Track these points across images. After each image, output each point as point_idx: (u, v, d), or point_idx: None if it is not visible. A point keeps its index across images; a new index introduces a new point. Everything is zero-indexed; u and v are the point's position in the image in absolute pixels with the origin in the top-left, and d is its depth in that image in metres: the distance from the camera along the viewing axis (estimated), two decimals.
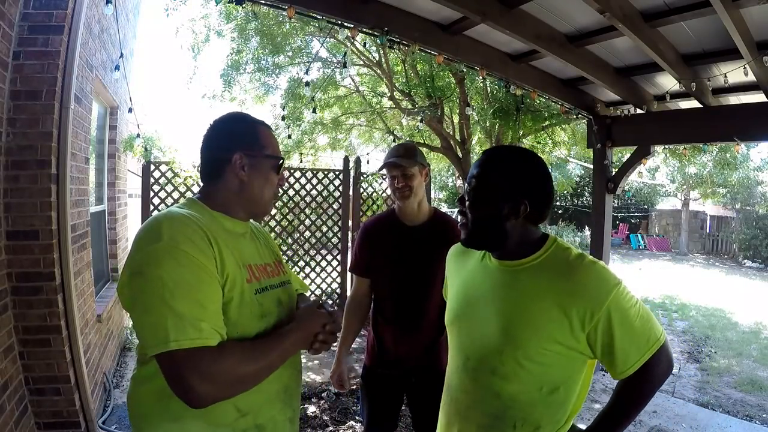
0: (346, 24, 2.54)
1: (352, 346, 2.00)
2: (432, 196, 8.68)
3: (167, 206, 4.27)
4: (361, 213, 5.93)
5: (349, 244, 5.71)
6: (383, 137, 7.41)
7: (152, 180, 4.86)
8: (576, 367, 1.05)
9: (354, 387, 1.98)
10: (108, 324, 3.63)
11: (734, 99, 3.48)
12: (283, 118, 5.60)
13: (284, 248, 5.74)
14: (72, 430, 2.42)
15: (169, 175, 4.92)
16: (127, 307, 0.93)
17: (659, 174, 16.19)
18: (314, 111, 5.17)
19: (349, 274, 2.01)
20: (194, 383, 0.84)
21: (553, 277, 1.02)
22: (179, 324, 0.84)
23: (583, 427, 1.12)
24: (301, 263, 5.83)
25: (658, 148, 5.21)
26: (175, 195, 4.72)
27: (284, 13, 2.35)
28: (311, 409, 3.30)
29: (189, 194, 4.63)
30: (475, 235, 1.09)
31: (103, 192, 4.30)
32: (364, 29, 2.50)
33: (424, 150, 6.80)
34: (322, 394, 3.50)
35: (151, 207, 4.62)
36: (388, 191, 1.88)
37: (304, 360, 4.30)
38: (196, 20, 5.88)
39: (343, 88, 7.28)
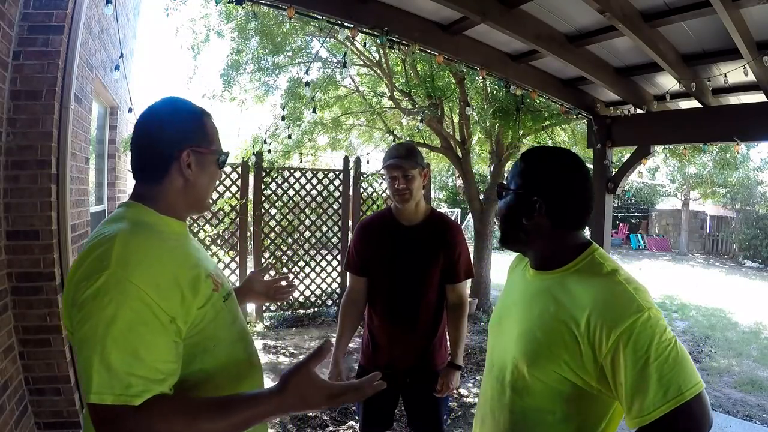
0: (346, 24, 2.54)
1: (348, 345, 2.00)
2: (432, 196, 8.66)
3: None
4: (361, 213, 5.93)
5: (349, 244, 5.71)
6: (383, 137, 7.41)
7: None
8: (595, 402, 0.92)
9: None
10: None
11: (734, 99, 3.48)
12: (283, 118, 5.60)
13: (284, 248, 5.74)
14: (72, 430, 2.42)
15: None
16: (69, 334, 0.83)
17: (659, 174, 16.20)
18: (314, 111, 5.17)
19: (348, 274, 2.00)
20: None
21: (575, 292, 0.93)
22: (105, 376, 0.73)
23: None
24: (301, 263, 5.84)
25: (658, 148, 5.22)
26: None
27: (284, 13, 2.35)
28: None
29: None
30: (502, 234, 1.09)
31: (103, 192, 4.31)
32: (364, 29, 2.50)
33: (424, 150, 6.81)
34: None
35: None
36: (388, 191, 1.87)
37: None
38: (196, 20, 5.88)
39: (343, 88, 7.28)
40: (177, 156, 0.94)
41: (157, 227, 0.92)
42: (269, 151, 5.51)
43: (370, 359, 1.91)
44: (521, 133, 5.62)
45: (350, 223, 5.95)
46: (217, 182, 5.39)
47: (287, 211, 5.70)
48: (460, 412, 3.34)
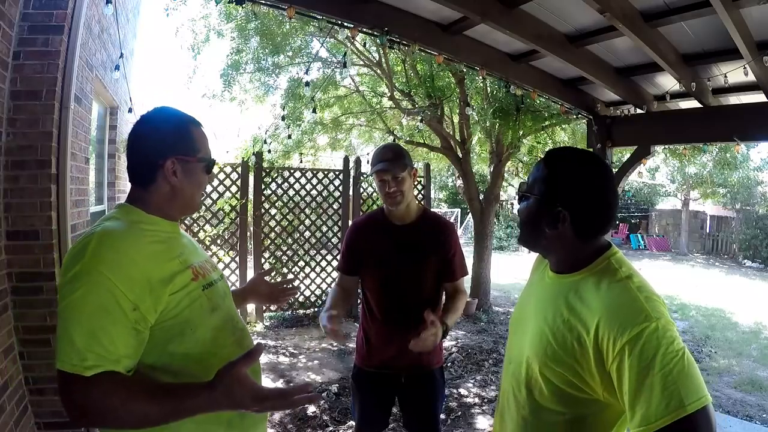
0: (346, 24, 2.54)
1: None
2: (432, 196, 8.66)
3: None
4: (361, 213, 5.93)
5: None
6: (383, 137, 7.41)
7: None
8: (605, 410, 0.93)
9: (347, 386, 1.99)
10: None
11: (734, 99, 3.48)
12: (283, 118, 5.60)
13: (284, 248, 5.74)
14: (72, 430, 2.42)
15: None
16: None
17: (659, 174, 16.20)
18: (314, 111, 5.17)
19: (339, 274, 1.99)
20: (68, 406, 0.88)
21: (587, 297, 0.93)
22: (68, 349, 0.88)
23: None
24: (301, 263, 5.84)
25: (658, 148, 5.22)
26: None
27: (284, 13, 2.35)
28: (311, 409, 3.30)
29: None
30: (521, 236, 1.09)
31: (103, 192, 4.30)
32: (364, 29, 2.50)
33: (424, 150, 6.83)
34: (322, 394, 3.50)
35: None
36: (379, 194, 1.85)
37: (303, 360, 4.32)
38: (196, 20, 5.90)
39: (343, 88, 7.29)
40: (162, 164, 1.03)
41: (142, 225, 1.02)
42: (269, 151, 5.51)
43: (365, 359, 1.90)
44: (521, 133, 5.62)
45: (350, 223, 5.95)
46: (217, 183, 5.49)
47: (287, 211, 5.70)
48: (460, 412, 3.34)
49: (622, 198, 17.19)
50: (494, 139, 6.26)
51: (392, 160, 1.74)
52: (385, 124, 6.96)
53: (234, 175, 5.35)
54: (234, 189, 5.35)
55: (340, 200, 5.93)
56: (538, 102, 4.65)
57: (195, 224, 5.18)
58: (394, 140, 6.59)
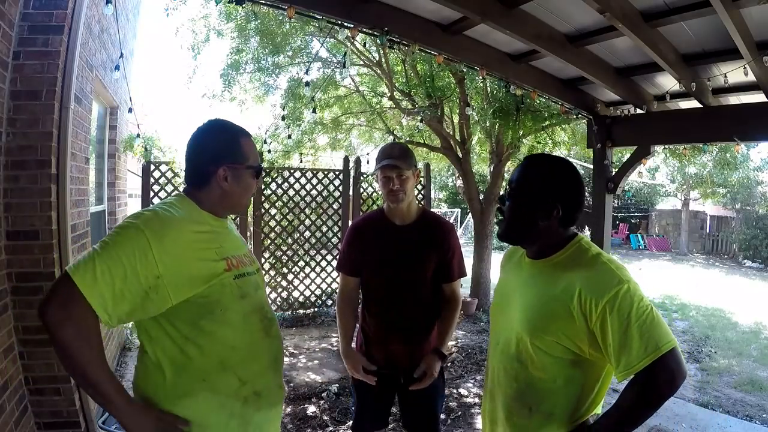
0: (346, 24, 2.54)
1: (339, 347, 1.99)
2: (432, 196, 8.66)
3: None
4: (361, 213, 5.93)
5: None
6: (383, 137, 7.41)
7: (152, 180, 4.86)
8: (591, 367, 1.11)
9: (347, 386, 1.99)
10: None
11: (734, 99, 3.48)
12: (283, 118, 5.60)
13: (284, 248, 5.74)
14: (72, 430, 2.42)
15: (169, 175, 4.92)
16: None
17: (659, 174, 16.19)
18: (314, 111, 5.17)
19: (340, 274, 2.00)
20: (56, 304, 0.97)
21: (566, 273, 1.11)
22: (88, 268, 0.98)
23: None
24: (301, 263, 5.83)
25: (658, 148, 5.21)
26: (176, 194, 4.72)
27: (284, 13, 2.35)
28: (311, 409, 3.30)
29: None
30: (510, 231, 1.22)
31: (103, 192, 4.31)
32: (364, 29, 2.50)
33: (424, 150, 6.83)
34: (322, 394, 3.50)
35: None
36: (381, 191, 1.86)
37: (303, 360, 4.31)
38: (196, 20, 5.88)
39: (343, 88, 7.28)
40: (214, 171, 1.19)
41: (193, 216, 1.17)
42: (269, 151, 5.51)
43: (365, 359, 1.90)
44: (521, 133, 5.61)
45: (350, 223, 5.95)
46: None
47: (287, 211, 5.70)
48: (460, 412, 3.34)
49: (622, 198, 17.23)
50: (494, 139, 6.25)
51: (398, 157, 1.76)
52: (385, 124, 6.96)
53: None
54: None
55: (340, 200, 5.93)
56: (538, 102, 4.65)
57: None
58: (394, 140, 6.59)
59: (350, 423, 3.07)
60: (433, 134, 6.70)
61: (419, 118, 5.66)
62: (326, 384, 3.70)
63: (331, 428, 3.07)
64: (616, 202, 15.71)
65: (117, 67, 3.36)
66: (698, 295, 8.36)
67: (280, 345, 1.30)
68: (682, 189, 15.57)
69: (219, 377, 1.13)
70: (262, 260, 5.55)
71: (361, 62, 6.30)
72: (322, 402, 3.41)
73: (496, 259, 6.99)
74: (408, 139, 6.86)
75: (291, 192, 5.71)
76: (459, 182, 6.96)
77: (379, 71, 6.17)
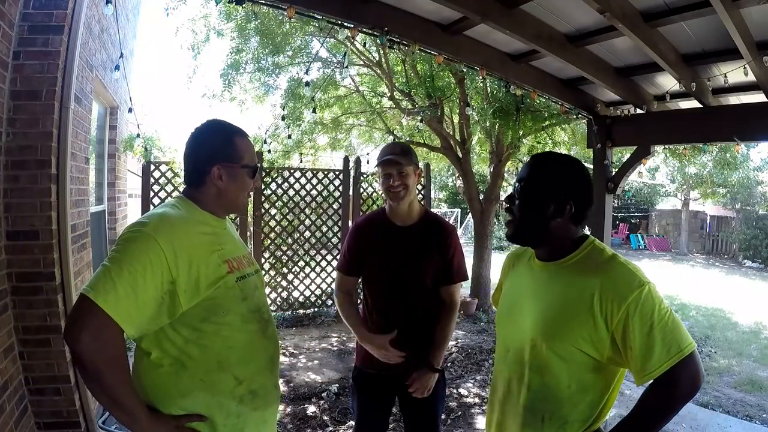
0: (346, 24, 2.54)
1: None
2: (432, 196, 8.68)
3: None
4: (360, 213, 5.93)
5: None
6: (383, 137, 7.41)
7: (152, 180, 4.86)
8: (605, 372, 1.08)
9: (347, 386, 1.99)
10: None
11: (734, 99, 3.48)
12: (283, 118, 5.60)
13: (284, 248, 5.74)
14: (72, 430, 2.42)
15: (169, 175, 4.92)
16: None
17: (659, 174, 16.18)
18: (314, 111, 5.17)
19: (338, 274, 1.99)
20: (85, 331, 0.96)
21: (584, 275, 1.08)
22: (109, 288, 0.97)
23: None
24: (301, 263, 5.83)
25: (658, 148, 5.21)
26: (175, 195, 4.72)
27: (284, 12, 2.35)
28: (311, 409, 3.30)
29: None
30: (521, 231, 1.18)
31: (103, 192, 4.31)
32: (364, 29, 2.50)
33: (424, 150, 6.83)
34: (322, 394, 3.50)
35: (151, 207, 4.61)
36: (381, 190, 1.86)
37: (303, 360, 4.31)
38: (196, 20, 5.88)
39: (343, 88, 7.27)
40: (209, 171, 1.20)
41: (195, 217, 1.19)
42: (269, 151, 5.51)
43: (365, 360, 1.89)
44: (521, 133, 5.61)
45: (350, 223, 5.94)
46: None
47: (287, 211, 5.70)
48: (459, 412, 3.34)
49: (622, 198, 17.22)
50: (494, 139, 6.25)
51: (399, 153, 1.76)
52: (385, 124, 6.96)
53: None
54: None
55: (340, 200, 5.93)
56: (538, 102, 4.65)
57: None
58: (394, 140, 6.58)
59: (350, 423, 3.07)
60: (433, 134, 6.70)
61: (419, 118, 5.66)
62: (326, 384, 3.70)
63: (331, 428, 3.07)
64: (616, 202, 15.72)
65: (117, 67, 3.36)
66: (698, 295, 8.36)
67: (276, 346, 1.31)
68: (682, 189, 15.56)
69: (216, 377, 1.14)
70: (262, 260, 5.55)
71: (361, 62, 6.29)
72: (322, 402, 3.41)
73: (496, 259, 6.99)
74: (408, 139, 6.86)
75: (291, 192, 5.71)
76: (459, 182, 6.95)
77: (379, 71, 6.17)
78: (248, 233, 5.53)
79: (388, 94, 6.27)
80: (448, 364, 4.29)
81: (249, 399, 1.18)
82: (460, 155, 6.21)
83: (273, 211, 5.66)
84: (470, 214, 7.04)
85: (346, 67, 5.99)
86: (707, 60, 2.90)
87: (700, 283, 9.80)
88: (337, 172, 5.93)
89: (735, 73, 2.80)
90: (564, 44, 2.82)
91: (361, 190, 6.00)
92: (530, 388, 1.13)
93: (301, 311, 5.77)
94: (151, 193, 4.84)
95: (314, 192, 5.81)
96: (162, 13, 7.32)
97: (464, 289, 6.71)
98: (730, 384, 4.23)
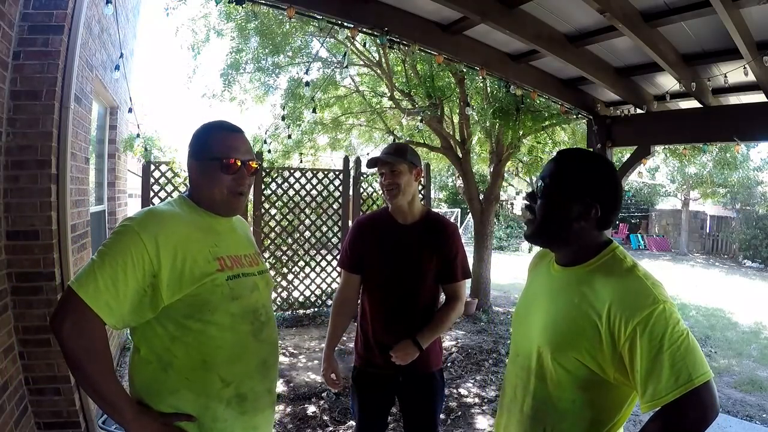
0: (346, 24, 2.54)
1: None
2: (432, 196, 8.69)
3: None
4: (361, 213, 5.93)
5: None
6: (383, 137, 7.42)
7: (152, 180, 4.86)
8: (614, 391, 1.00)
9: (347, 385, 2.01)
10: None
11: (734, 99, 3.48)
12: (283, 118, 5.60)
13: (284, 248, 5.74)
14: (72, 430, 2.42)
15: (169, 175, 4.92)
16: None
17: (659, 174, 16.19)
18: (314, 111, 5.17)
19: (342, 272, 2.00)
20: (66, 320, 1.01)
21: (598, 286, 1.00)
22: (90, 279, 1.02)
23: None
24: (301, 263, 5.83)
25: (658, 148, 5.22)
26: (175, 195, 4.72)
27: (284, 13, 2.35)
28: (311, 409, 3.30)
29: None
30: (542, 232, 1.10)
31: (103, 192, 4.31)
32: (364, 29, 2.50)
33: (424, 150, 6.83)
34: (322, 394, 3.50)
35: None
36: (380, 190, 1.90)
37: (303, 360, 4.31)
38: (196, 20, 5.89)
39: (343, 88, 7.28)
40: (191, 167, 1.24)
41: (189, 214, 1.20)
42: (269, 151, 5.51)
43: (364, 360, 1.90)
44: (521, 133, 5.62)
45: (350, 223, 5.95)
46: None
47: (287, 211, 5.70)
48: (459, 412, 3.34)
49: (622, 198, 17.18)
50: (494, 139, 6.26)
51: (392, 153, 1.79)
52: (385, 124, 6.96)
53: None
54: None
55: (340, 200, 5.93)
56: (538, 102, 4.65)
57: None
58: (394, 140, 6.59)
59: (350, 423, 3.07)
60: (433, 134, 6.71)
61: (419, 118, 5.66)
62: (326, 384, 3.70)
63: (331, 428, 3.07)
64: None
65: (117, 67, 3.37)
66: (698, 295, 8.36)
67: (272, 349, 1.27)
68: (682, 189, 15.57)
69: (201, 376, 1.12)
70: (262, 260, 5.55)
71: (361, 62, 6.30)
72: (322, 402, 3.41)
73: (496, 259, 7.00)
74: (408, 139, 6.86)
75: (291, 192, 5.71)
76: (459, 182, 6.95)
77: (379, 71, 6.17)
78: None
79: (388, 94, 6.27)
80: (448, 364, 4.29)
81: (236, 402, 1.15)
82: (460, 155, 6.22)
83: (273, 211, 5.66)
84: (470, 214, 7.04)
85: (346, 67, 5.99)
86: (707, 60, 2.90)
87: (700, 283, 9.80)
88: (337, 172, 5.93)
89: (735, 73, 2.80)
90: (564, 44, 2.82)
91: (361, 190, 6.00)
92: (535, 396, 1.08)
93: (301, 311, 5.77)
94: (151, 193, 4.84)
95: (314, 192, 5.81)
96: (162, 13, 7.33)
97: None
98: (730, 384, 4.23)
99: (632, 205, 18.06)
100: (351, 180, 5.88)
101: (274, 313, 4.82)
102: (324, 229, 5.93)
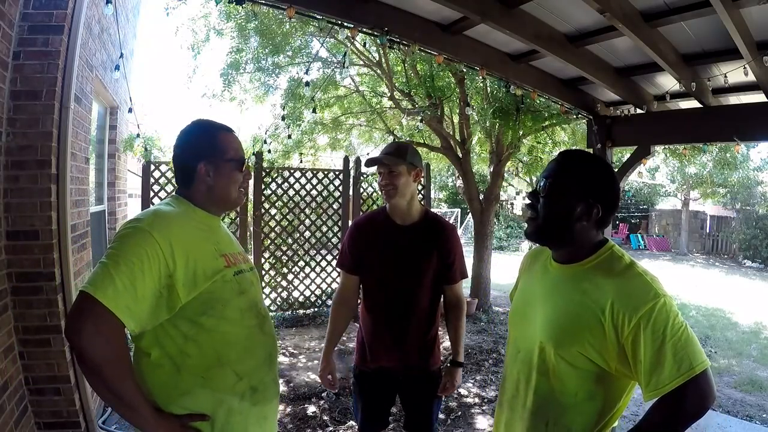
0: (346, 24, 2.54)
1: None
2: (432, 196, 8.69)
3: None
4: (361, 213, 5.93)
5: None
6: (383, 137, 7.42)
7: (152, 180, 4.86)
8: (614, 383, 1.05)
9: (348, 385, 2.01)
10: None
11: (734, 99, 3.48)
12: (283, 118, 5.60)
13: (284, 248, 5.74)
14: (72, 430, 2.42)
15: (169, 175, 4.92)
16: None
17: (659, 174, 16.20)
18: (314, 111, 5.17)
19: (341, 272, 2.01)
20: (86, 326, 0.96)
21: (598, 282, 1.04)
22: (107, 283, 0.98)
23: None
24: (301, 263, 5.83)
25: (658, 148, 5.22)
26: (170, 195, 4.73)
27: (284, 12, 2.35)
28: (311, 409, 3.30)
29: None
30: (543, 230, 1.13)
31: (103, 192, 4.30)
32: (364, 29, 2.50)
33: (424, 150, 6.83)
34: (322, 394, 3.50)
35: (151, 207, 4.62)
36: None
37: (303, 360, 4.31)
38: (196, 20, 5.90)
39: (343, 88, 7.28)
40: (195, 168, 1.23)
41: (189, 214, 1.22)
42: (269, 151, 5.51)
43: (364, 360, 1.90)
44: (521, 133, 5.62)
45: (350, 223, 5.95)
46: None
47: (287, 211, 5.70)
48: (459, 412, 3.34)
49: (622, 198, 17.17)
50: (494, 139, 6.26)
51: (391, 153, 1.78)
52: (385, 124, 6.96)
53: None
54: None
55: (340, 200, 5.93)
56: (538, 102, 4.65)
57: None
58: (394, 140, 6.58)
59: (350, 423, 3.07)
60: (433, 134, 6.71)
61: (419, 118, 5.67)
62: (322, 384, 3.70)
63: (331, 428, 3.07)
64: None
65: (117, 67, 3.36)
66: (698, 295, 8.36)
67: (273, 341, 1.33)
68: (682, 189, 15.57)
69: (217, 373, 1.14)
70: (262, 260, 5.55)
71: (361, 62, 6.30)
72: (322, 402, 3.41)
73: (496, 259, 7.00)
74: (408, 139, 6.86)
75: (291, 192, 5.71)
76: (459, 182, 6.96)
77: (379, 71, 6.17)
78: (248, 233, 5.53)
79: (388, 94, 6.27)
80: (448, 364, 4.29)
81: (249, 395, 1.19)
82: (460, 155, 6.22)
83: (273, 211, 5.66)
84: (470, 214, 7.04)
85: (346, 67, 5.99)
86: (707, 60, 2.90)
87: (700, 283, 9.80)
88: (337, 172, 5.93)
89: (735, 73, 2.79)
90: (564, 44, 2.82)
91: (361, 190, 5.99)
92: (537, 391, 1.11)
93: (301, 311, 5.77)
94: (151, 193, 4.84)
95: (314, 192, 5.81)
96: (162, 13, 7.33)
97: (464, 289, 6.70)
98: (730, 384, 4.23)
99: (632, 205, 18.07)
100: (351, 180, 5.88)
101: (274, 314, 4.85)
102: (324, 229, 5.93)
